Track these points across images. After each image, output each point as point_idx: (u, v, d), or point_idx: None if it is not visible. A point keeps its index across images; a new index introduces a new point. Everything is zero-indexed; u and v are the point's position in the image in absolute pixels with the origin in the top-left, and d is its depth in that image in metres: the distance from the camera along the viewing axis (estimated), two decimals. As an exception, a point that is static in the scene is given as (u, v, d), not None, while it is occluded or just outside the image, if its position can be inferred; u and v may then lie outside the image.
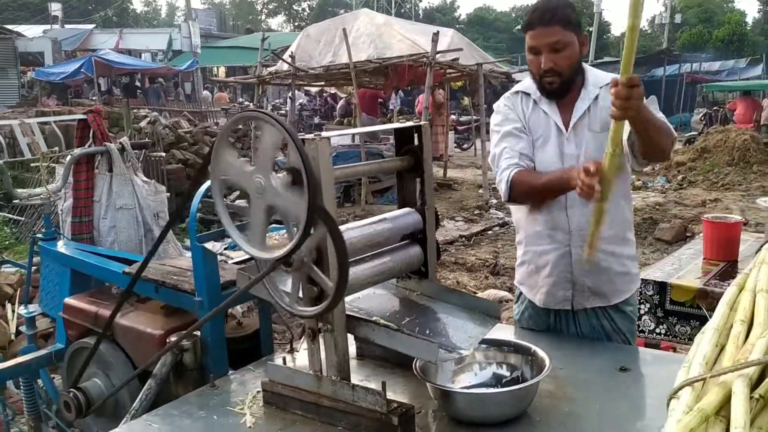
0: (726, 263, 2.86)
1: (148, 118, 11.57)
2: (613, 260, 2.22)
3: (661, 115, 2.02)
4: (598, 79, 2.21)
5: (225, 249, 3.82)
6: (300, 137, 1.53)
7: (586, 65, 2.25)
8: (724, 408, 0.95)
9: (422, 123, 1.98)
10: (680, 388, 1.02)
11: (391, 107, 16.51)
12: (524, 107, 2.26)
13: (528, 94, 2.26)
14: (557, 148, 2.19)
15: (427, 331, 1.77)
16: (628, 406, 1.76)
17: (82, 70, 20.57)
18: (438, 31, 9.44)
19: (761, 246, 1.64)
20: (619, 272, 2.24)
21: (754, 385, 0.98)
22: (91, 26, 28.92)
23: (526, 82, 2.28)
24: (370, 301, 1.94)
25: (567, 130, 2.19)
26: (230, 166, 1.60)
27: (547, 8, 2.09)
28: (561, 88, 2.16)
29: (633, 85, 1.71)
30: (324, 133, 1.64)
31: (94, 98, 18.54)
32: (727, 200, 9.74)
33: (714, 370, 1.03)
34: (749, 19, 45.83)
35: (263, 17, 60.20)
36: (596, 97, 2.18)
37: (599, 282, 2.22)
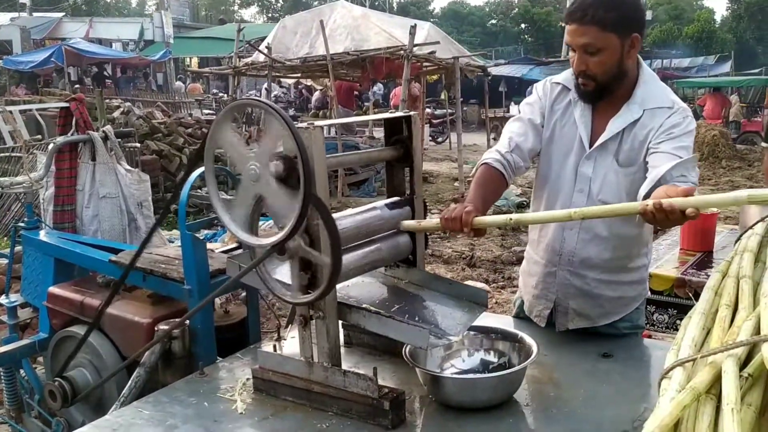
0: (702, 253, 2.94)
1: (122, 108, 11.39)
2: (606, 286, 2.10)
3: (693, 179, 1.79)
4: (648, 96, 1.96)
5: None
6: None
7: (647, 71, 2.01)
8: (714, 386, 0.99)
9: (412, 113, 2.01)
10: (671, 369, 1.07)
11: (373, 97, 16.49)
12: (557, 103, 2.07)
13: (568, 90, 2.06)
14: (575, 164, 2.02)
15: (417, 318, 1.80)
16: (610, 390, 1.81)
17: (52, 59, 20.18)
18: (415, 24, 9.45)
19: (741, 235, 1.70)
20: (612, 297, 2.12)
21: (743, 365, 1.03)
22: (60, 14, 28.32)
23: (569, 74, 2.06)
24: (360, 289, 1.97)
25: (590, 147, 2.00)
26: (231, 145, 1.59)
27: (584, 5, 1.86)
28: (595, 93, 1.96)
29: (685, 214, 1.48)
30: (317, 122, 1.66)
31: (65, 89, 18.18)
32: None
33: (704, 351, 1.07)
34: (717, 17, 46.65)
35: (236, 8, 59.61)
36: (637, 120, 1.94)
37: (586, 306, 2.12)
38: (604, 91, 1.95)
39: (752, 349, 1.03)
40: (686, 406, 0.94)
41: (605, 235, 2.04)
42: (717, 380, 0.98)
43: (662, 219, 1.49)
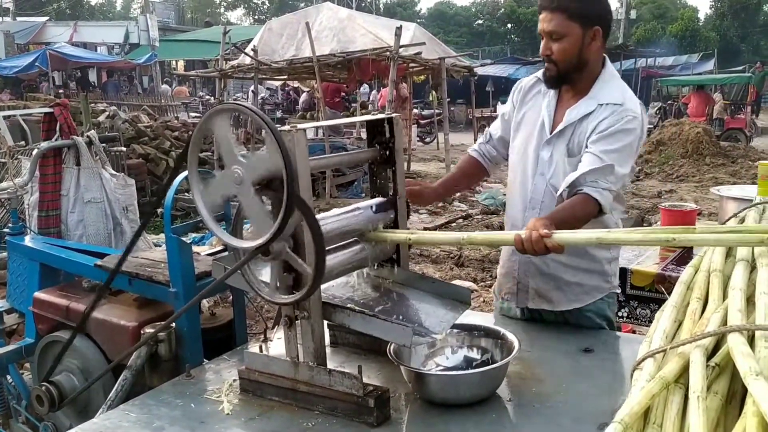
0: (682, 249, 2.97)
1: (107, 113, 11.35)
2: (564, 270, 2.17)
3: (604, 185, 1.93)
4: (604, 92, 2.09)
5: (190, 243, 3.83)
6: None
7: (609, 70, 2.14)
8: (682, 376, 1.03)
9: (394, 115, 2.04)
10: (643, 360, 1.10)
11: (360, 98, 16.48)
12: (530, 93, 2.24)
13: (541, 82, 2.20)
14: (536, 149, 2.16)
15: (401, 317, 1.83)
16: (592, 385, 1.84)
17: (36, 63, 20.06)
18: (401, 26, 9.49)
19: (715, 230, 1.73)
20: (571, 282, 2.19)
21: (710, 355, 1.06)
22: (44, 19, 28.12)
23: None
24: (344, 288, 1.99)
25: (551, 133, 2.13)
26: (223, 138, 1.60)
27: None
28: (557, 78, 2.10)
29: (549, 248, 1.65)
30: (300, 125, 1.69)
31: (50, 93, 18.08)
32: (682, 191, 10.05)
33: (673, 342, 1.11)
34: (701, 15, 47.04)
35: (222, 10, 59.46)
36: (590, 113, 2.07)
37: (546, 286, 2.21)
38: (564, 78, 2.10)
39: (720, 340, 1.07)
40: (655, 395, 0.97)
41: None
42: (685, 370, 1.01)
43: (530, 250, 1.67)
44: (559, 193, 1.99)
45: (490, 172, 2.41)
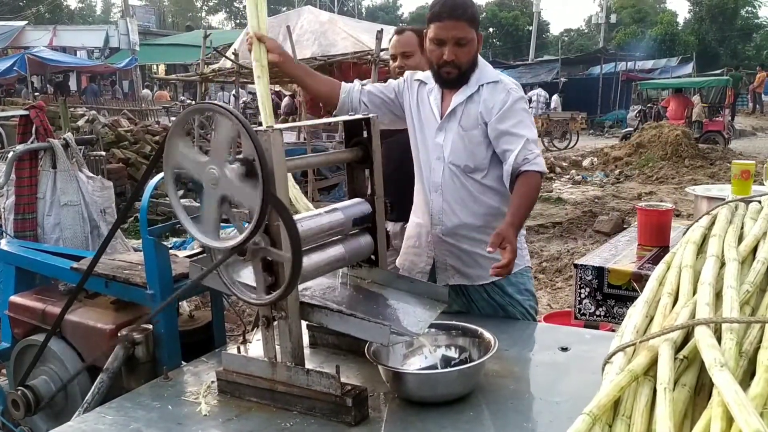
0: (659, 248, 2.99)
1: (86, 117, 11.26)
2: (478, 245, 2.28)
3: (532, 155, 2.14)
4: (483, 75, 2.30)
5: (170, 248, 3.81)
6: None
7: (479, 59, 2.34)
8: (652, 369, 1.04)
9: (371, 116, 2.05)
10: (613, 354, 1.11)
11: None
12: (416, 93, 2.39)
13: (425, 83, 2.38)
14: (431, 136, 2.33)
15: (379, 316, 1.83)
16: (568, 382, 1.86)
17: (15, 68, 19.86)
18: (382, 29, 9.51)
19: (688, 228, 1.76)
20: (488, 257, 2.22)
21: (680, 348, 1.08)
22: (22, 23, 27.82)
23: (426, 73, 2.39)
24: (322, 289, 1.99)
25: (441, 118, 2.30)
26: (184, 157, 1.62)
27: (458, 3, 2.18)
28: (458, 79, 2.26)
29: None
30: (277, 125, 1.69)
31: (28, 98, 17.88)
32: (661, 193, 10.14)
33: (643, 336, 1.12)
34: (680, 19, 47.56)
35: (203, 14, 59.26)
36: (472, 94, 2.27)
37: (462, 263, 2.35)
38: (463, 77, 2.27)
39: (689, 333, 1.08)
40: (623, 387, 0.99)
41: (465, 198, 2.30)
42: (654, 363, 1.03)
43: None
44: (507, 183, 2.19)
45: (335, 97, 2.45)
